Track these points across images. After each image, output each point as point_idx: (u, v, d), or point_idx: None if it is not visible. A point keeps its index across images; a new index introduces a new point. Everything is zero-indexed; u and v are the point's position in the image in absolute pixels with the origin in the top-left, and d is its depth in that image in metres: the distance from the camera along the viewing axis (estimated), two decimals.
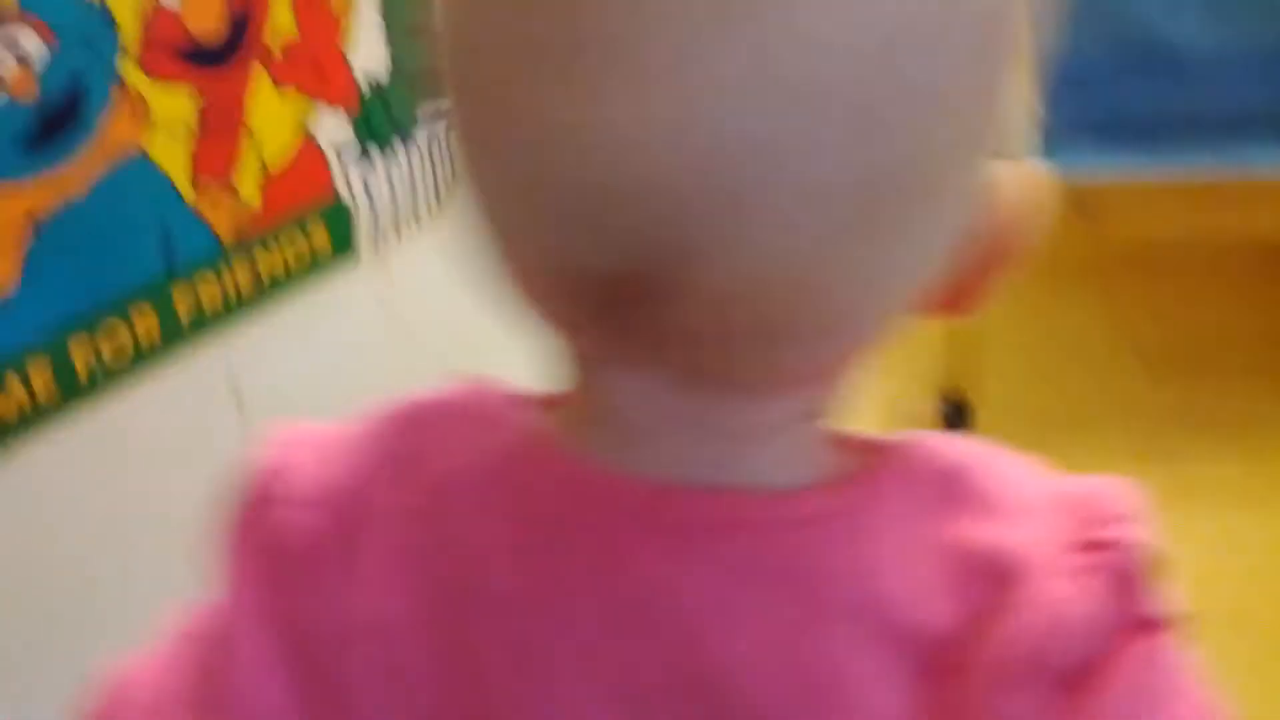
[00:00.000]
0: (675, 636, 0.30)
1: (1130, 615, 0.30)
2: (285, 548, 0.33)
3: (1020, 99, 0.31)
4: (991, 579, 0.30)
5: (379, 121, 1.00)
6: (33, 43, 0.72)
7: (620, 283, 0.26)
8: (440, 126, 1.05)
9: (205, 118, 0.83)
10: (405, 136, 1.04)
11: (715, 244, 0.25)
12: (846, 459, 0.33)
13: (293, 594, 0.33)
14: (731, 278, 0.26)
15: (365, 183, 0.99)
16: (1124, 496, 0.32)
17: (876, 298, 0.29)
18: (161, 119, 0.80)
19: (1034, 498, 0.32)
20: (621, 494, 0.31)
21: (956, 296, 0.32)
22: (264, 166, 0.90)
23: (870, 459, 0.33)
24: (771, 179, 0.24)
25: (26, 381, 0.75)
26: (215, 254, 0.87)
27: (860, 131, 0.25)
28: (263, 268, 0.91)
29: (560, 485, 0.32)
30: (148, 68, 0.79)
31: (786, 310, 0.27)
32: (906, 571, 0.30)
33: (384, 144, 1.02)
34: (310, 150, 0.94)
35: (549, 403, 0.34)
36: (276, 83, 0.89)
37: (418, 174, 1.05)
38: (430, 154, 1.05)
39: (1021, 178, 0.32)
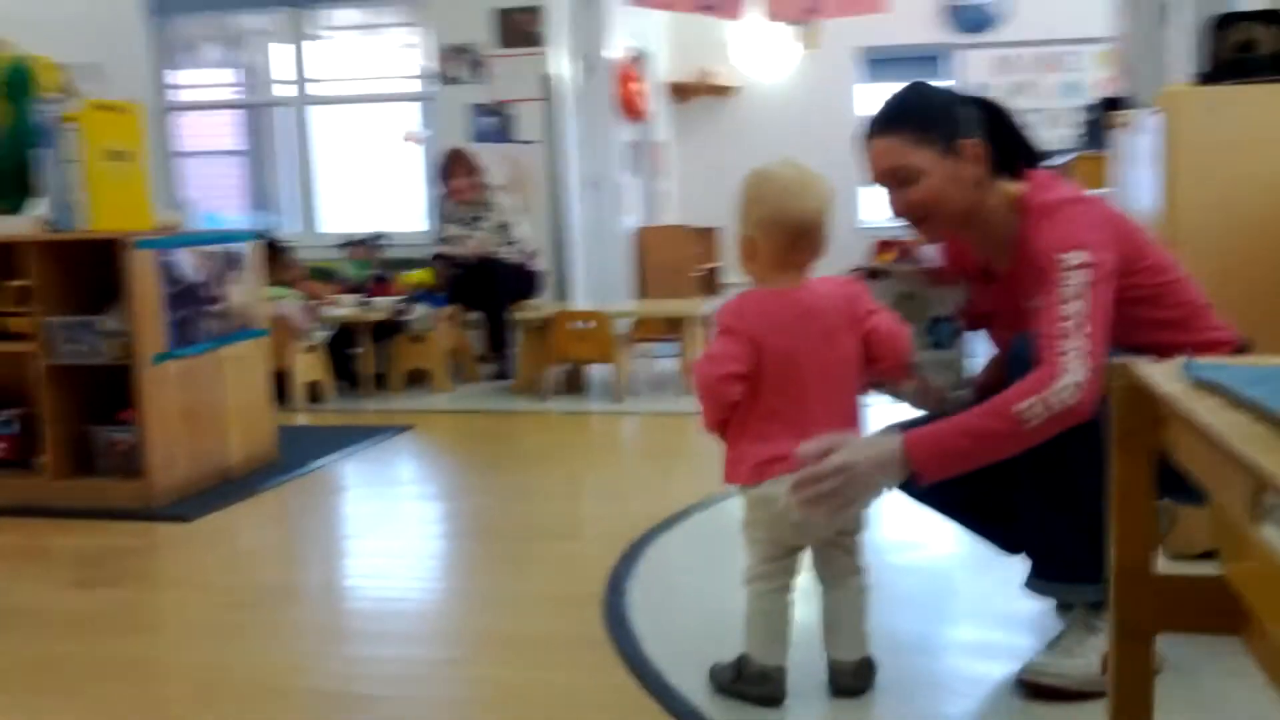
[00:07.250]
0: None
1: None
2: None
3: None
4: None
5: None
6: None
7: (804, 231, 1.97)
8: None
9: None
10: None
11: (827, 223, 1.99)
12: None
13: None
14: (826, 230, 2.01)
15: None
16: None
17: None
18: None
19: None
20: (795, 295, 2.00)
21: None
22: None
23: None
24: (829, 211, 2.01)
25: None
26: None
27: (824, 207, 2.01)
28: None
29: (784, 295, 2.00)
30: None
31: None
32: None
33: None
34: None
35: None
36: None
37: None
38: None
39: None
